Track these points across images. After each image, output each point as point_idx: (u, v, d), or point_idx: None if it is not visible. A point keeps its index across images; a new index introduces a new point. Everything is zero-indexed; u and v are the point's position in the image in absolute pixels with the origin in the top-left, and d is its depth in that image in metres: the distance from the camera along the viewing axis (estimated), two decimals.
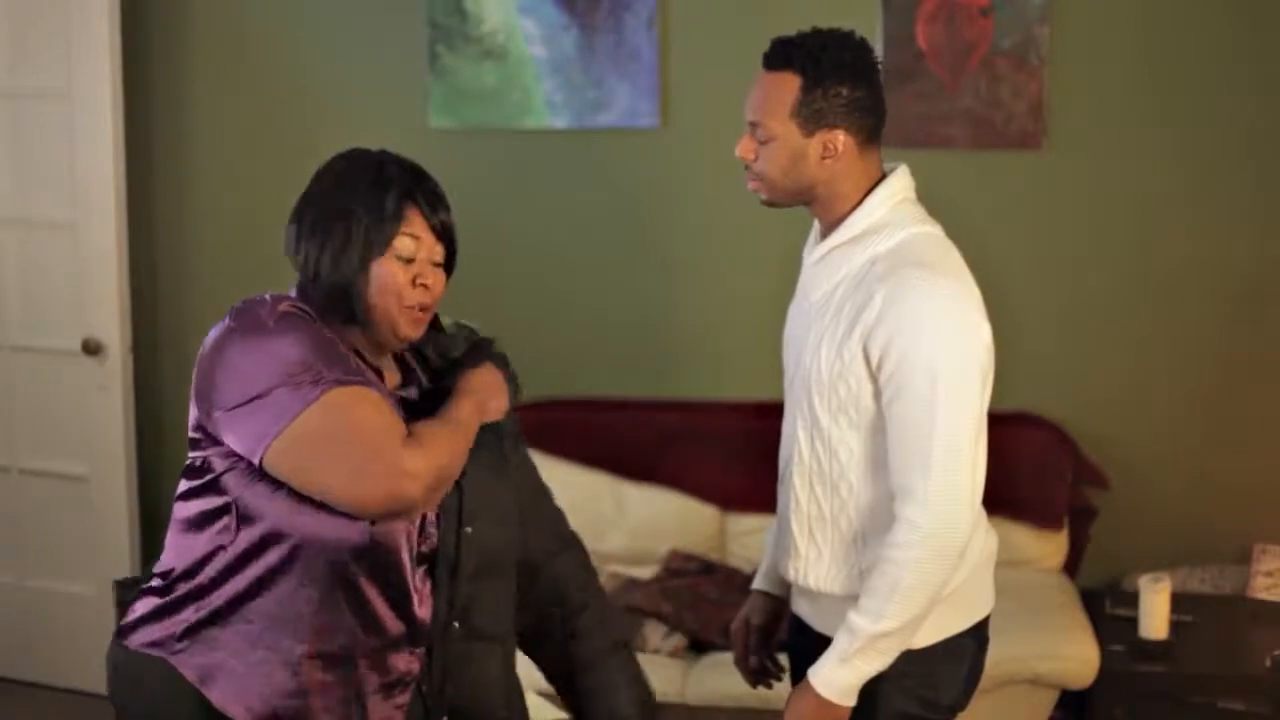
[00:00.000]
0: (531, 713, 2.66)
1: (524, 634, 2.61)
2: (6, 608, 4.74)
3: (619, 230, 4.58)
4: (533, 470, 2.63)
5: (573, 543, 2.67)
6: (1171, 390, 4.33)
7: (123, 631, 2.29)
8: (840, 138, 2.44)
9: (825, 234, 2.54)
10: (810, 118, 2.43)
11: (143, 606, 2.28)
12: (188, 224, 4.82)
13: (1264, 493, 4.27)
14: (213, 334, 2.18)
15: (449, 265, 2.29)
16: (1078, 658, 3.77)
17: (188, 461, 2.25)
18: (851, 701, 2.42)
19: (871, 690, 2.44)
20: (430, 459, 2.11)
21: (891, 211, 2.47)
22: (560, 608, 2.61)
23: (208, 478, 2.19)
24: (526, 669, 2.66)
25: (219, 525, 2.19)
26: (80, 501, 4.63)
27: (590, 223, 4.60)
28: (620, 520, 4.43)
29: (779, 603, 2.76)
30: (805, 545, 2.53)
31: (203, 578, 2.20)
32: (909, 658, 2.45)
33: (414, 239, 2.22)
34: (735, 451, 4.31)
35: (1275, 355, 4.28)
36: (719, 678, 3.74)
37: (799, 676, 2.59)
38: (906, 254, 2.42)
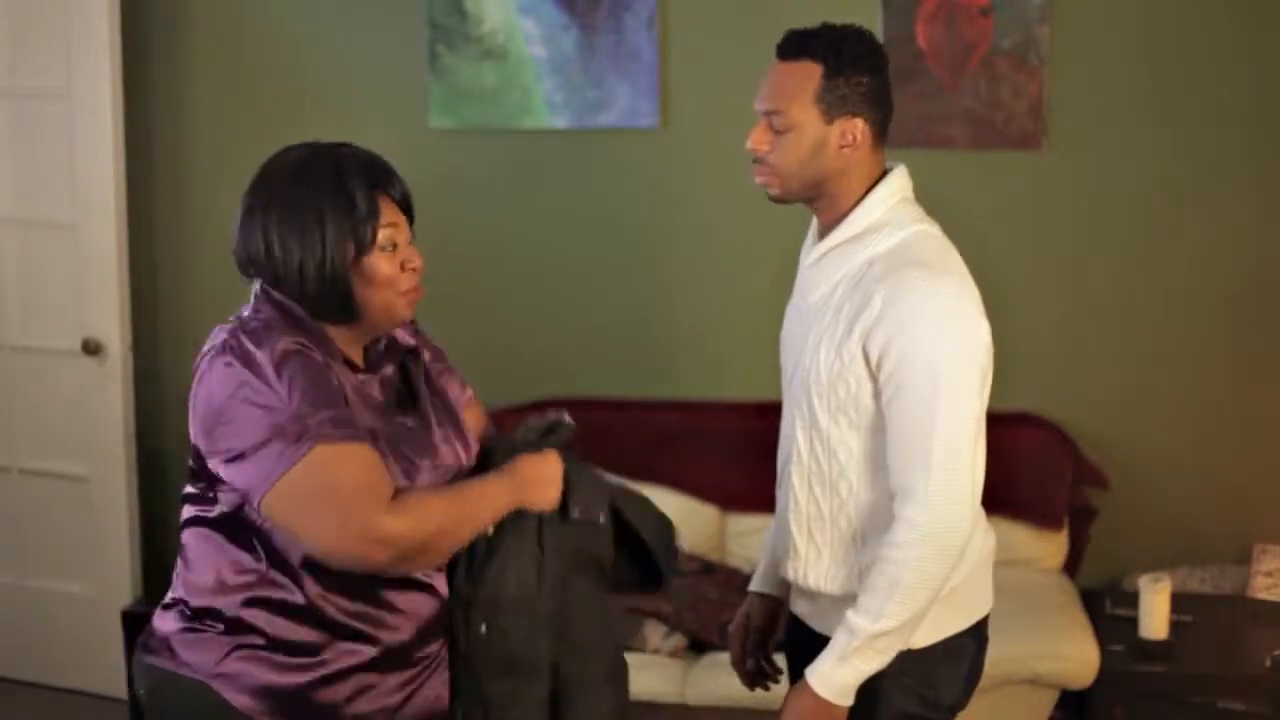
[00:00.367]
0: None
1: None
2: (6, 608, 4.74)
3: (619, 230, 4.58)
4: (596, 594, 2.44)
5: (614, 681, 2.47)
6: (1172, 390, 4.33)
7: (152, 648, 2.30)
8: (860, 125, 2.44)
9: (824, 233, 2.54)
10: (833, 104, 2.43)
11: (170, 624, 2.29)
12: (188, 224, 4.82)
13: (1264, 493, 4.27)
14: (209, 367, 2.19)
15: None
16: (1078, 658, 3.77)
17: (194, 490, 2.27)
18: (849, 701, 2.42)
19: (872, 690, 2.43)
20: (412, 526, 2.13)
21: (890, 211, 2.47)
22: None
23: (218, 511, 2.23)
24: None
25: (242, 547, 2.22)
26: (80, 501, 4.63)
27: (590, 223, 4.60)
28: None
29: (777, 604, 2.76)
30: (804, 545, 2.54)
31: (232, 599, 2.23)
32: (909, 658, 2.45)
33: (392, 227, 2.24)
34: (735, 451, 4.31)
35: (1276, 355, 4.27)
36: (719, 678, 3.74)
37: (797, 676, 2.59)
38: (906, 254, 2.42)
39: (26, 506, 4.70)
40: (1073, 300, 4.36)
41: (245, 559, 2.22)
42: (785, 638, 2.77)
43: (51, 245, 4.57)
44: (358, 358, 2.31)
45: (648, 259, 4.57)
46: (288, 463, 2.10)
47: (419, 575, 2.29)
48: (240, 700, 2.21)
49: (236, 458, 2.14)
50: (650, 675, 3.76)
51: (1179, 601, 3.90)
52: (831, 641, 2.42)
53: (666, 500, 4.38)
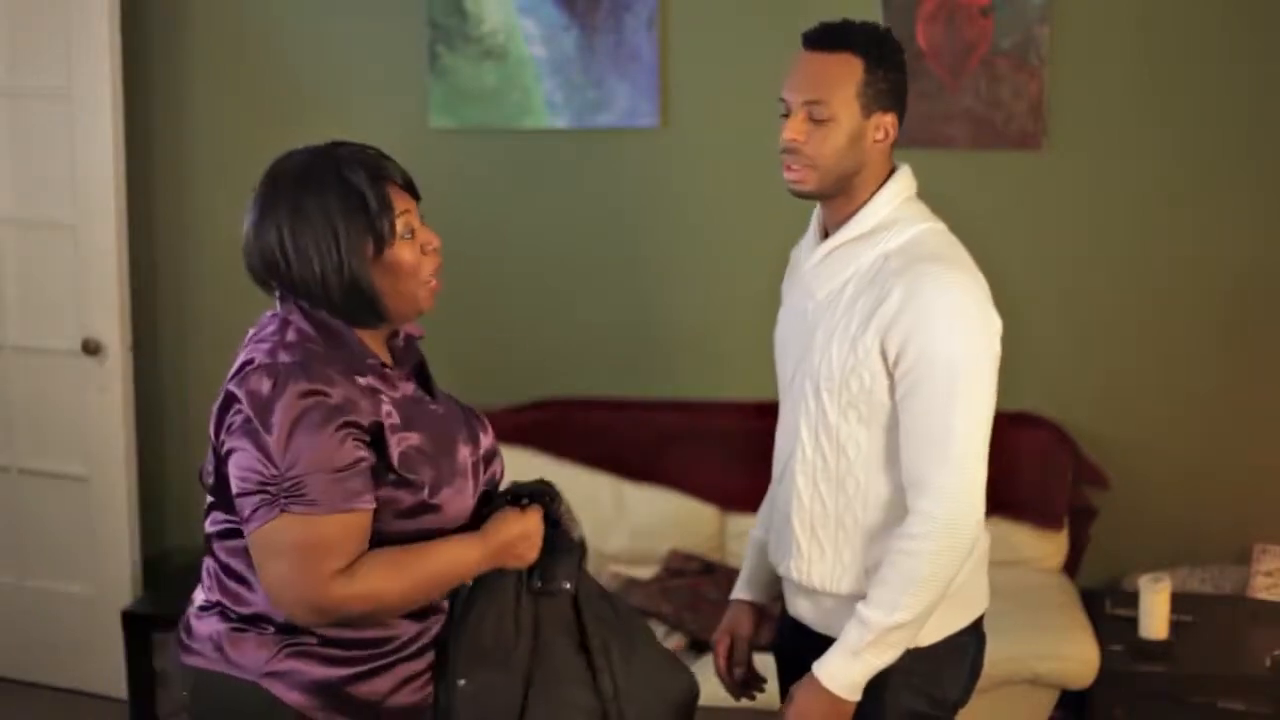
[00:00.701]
0: None
1: None
2: (6, 608, 4.74)
3: (619, 230, 4.58)
4: (569, 664, 2.35)
5: None
6: (1171, 390, 4.33)
7: (194, 649, 2.31)
8: (892, 121, 2.47)
9: (828, 231, 2.54)
10: (873, 98, 2.44)
11: (215, 624, 2.30)
12: (188, 224, 4.82)
13: (1264, 493, 4.27)
14: (236, 392, 2.18)
15: None
16: (1078, 658, 3.77)
17: (216, 500, 2.28)
18: (858, 696, 2.42)
19: (879, 689, 2.43)
20: (357, 591, 2.15)
21: (898, 209, 2.49)
22: None
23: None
24: None
25: None
26: (80, 501, 4.63)
27: (590, 223, 4.59)
28: (620, 520, 4.43)
29: (761, 611, 2.76)
30: (807, 543, 2.53)
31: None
32: (915, 656, 2.45)
33: (406, 213, 2.25)
34: (735, 451, 4.30)
35: (1275, 355, 4.27)
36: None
37: (790, 678, 2.59)
38: (920, 249, 2.43)
39: (26, 506, 4.70)
40: (1073, 300, 4.36)
41: None
42: (779, 641, 2.77)
43: (51, 245, 4.57)
44: (386, 358, 2.32)
45: (647, 259, 4.57)
46: (262, 520, 2.15)
47: None
48: (291, 697, 2.23)
49: (237, 495, 2.19)
50: None
51: (1179, 601, 3.90)
52: (842, 637, 2.41)
53: (666, 500, 4.44)
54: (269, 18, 4.69)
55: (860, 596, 2.44)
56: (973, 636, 2.56)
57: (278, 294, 2.29)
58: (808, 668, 2.46)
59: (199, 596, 2.35)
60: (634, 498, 4.44)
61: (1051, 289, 4.35)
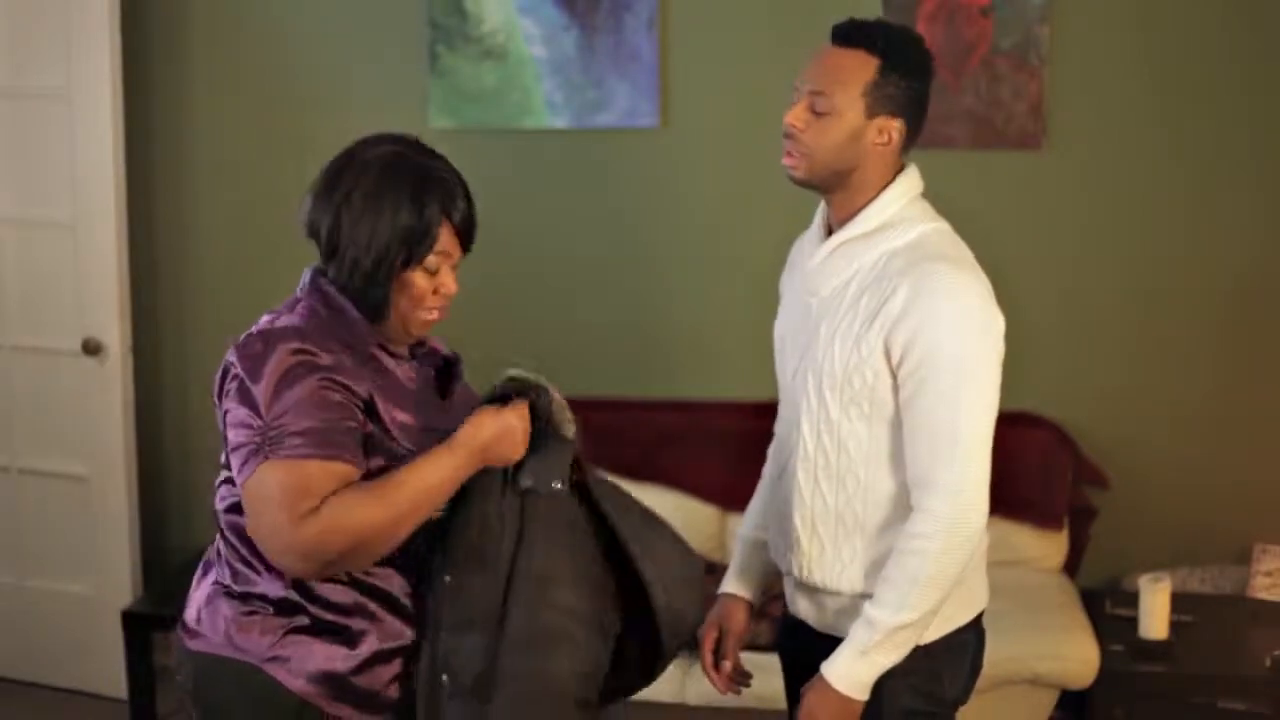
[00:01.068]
0: None
1: None
2: (6, 608, 4.73)
3: (619, 230, 4.58)
4: (553, 563, 2.34)
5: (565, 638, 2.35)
6: (1171, 390, 4.33)
7: (197, 634, 2.35)
8: (898, 127, 2.45)
9: (833, 229, 2.54)
10: (879, 100, 2.43)
11: (220, 609, 2.33)
12: (188, 224, 4.82)
13: (1264, 493, 4.27)
14: (232, 358, 2.27)
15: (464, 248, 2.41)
16: (1078, 658, 3.77)
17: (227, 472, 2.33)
18: (867, 696, 2.42)
19: (878, 688, 2.43)
20: (324, 531, 2.17)
21: (904, 208, 2.49)
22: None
23: None
24: None
25: None
26: (80, 501, 4.62)
27: (590, 223, 4.60)
28: None
29: (749, 606, 2.76)
30: (808, 540, 2.53)
31: (277, 583, 2.29)
32: (915, 654, 2.45)
33: (442, 255, 2.33)
34: (735, 451, 4.29)
35: (1275, 355, 4.27)
36: None
37: (795, 678, 2.59)
38: (926, 248, 2.43)
39: (26, 506, 4.70)
40: (1073, 300, 4.36)
41: None
42: (780, 640, 2.77)
43: (51, 245, 4.57)
44: (399, 352, 2.39)
45: (647, 259, 4.57)
46: (249, 472, 2.20)
47: None
48: (295, 683, 2.27)
49: (230, 449, 2.25)
50: None
51: (1179, 601, 3.90)
52: (849, 637, 2.41)
53: (666, 500, 4.43)
54: (269, 18, 4.69)
55: (860, 595, 2.44)
56: (972, 634, 2.56)
57: (307, 272, 2.37)
58: (811, 667, 2.46)
59: (206, 581, 2.38)
60: None
61: (1051, 289, 4.35)
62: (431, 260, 2.31)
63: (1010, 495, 4.00)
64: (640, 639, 2.44)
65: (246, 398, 2.21)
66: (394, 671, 2.33)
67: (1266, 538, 4.19)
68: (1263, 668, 3.75)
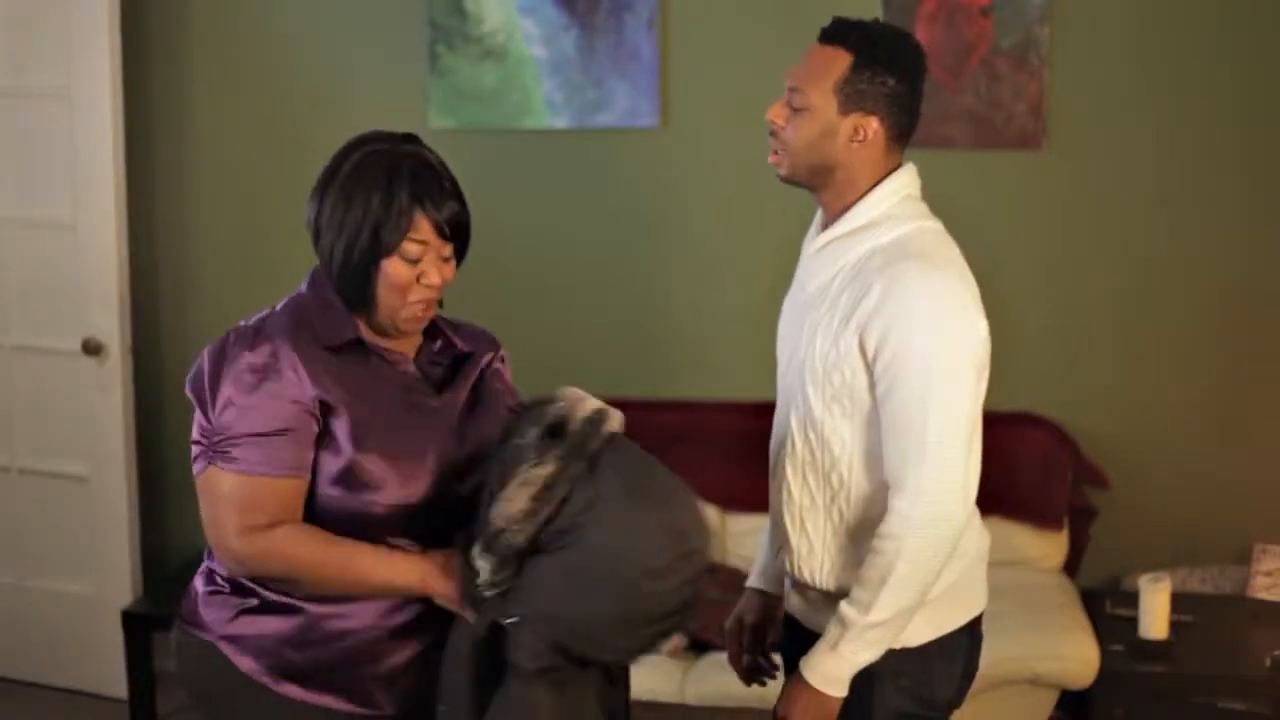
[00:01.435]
0: None
1: None
2: (6, 608, 4.74)
3: (619, 230, 4.58)
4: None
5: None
6: (1171, 390, 4.33)
7: (182, 613, 2.42)
8: (874, 125, 2.45)
9: (826, 225, 2.54)
10: (851, 97, 2.43)
11: (198, 585, 2.40)
12: (188, 224, 4.82)
13: (1264, 493, 4.27)
14: (208, 355, 2.34)
15: (460, 253, 2.42)
16: (1077, 658, 3.77)
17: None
18: (842, 692, 2.42)
19: (867, 689, 2.44)
20: (258, 556, 2.25)
21: (895, 206, 2.48)
22: None
23: None
24: None
25: None
26: (80, 501, 4.63)
27: (590, 223, 4.60)
28: None
29: (773, 600, 2.76)
30: (796, 537, 2.54)
31: None
32: (905, 656, 2.45)
33: (419, 244, 2.31)
34: (735, 451, 4.29)
35: (1275, 355, 4.27)
36: (719, 678, 3.74)
37: (792, 674, 2.59)
38: (906, 247, 2.43)
39: (26, 506, 4.70)
40: (1073, 300, 4.36)
41: None
42: (781, 638, 2.78)
43: (51, 245, 4.57)
44: (395, 348, 2.39)
45: (647, 259, 4.57)
46: (198, 469, 2.30)
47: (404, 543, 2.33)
48: (243, 663, 2.32)
49: (193, 440, 2.33)
50: (650, 675, 3.76)
51: (1179, 601, 3.90)
52: (825, 633, 2.42)
53: None
54: (269, 18, 4.69)
55: (843, 592, 2.44)
56: (966, 636, 2.56)
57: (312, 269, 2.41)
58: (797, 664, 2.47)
59: (204, 563, 2.44)
60: None
61: (1052, 289, 4.35)
62: (410, 249, 2.30)
63: (1010, 495, 4.02)
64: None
65: (201, 397, 2.29)
66: (345, 649, 2.32)
67: (1266, 538, 4.19)
68: (1263, 668, 3.75)
